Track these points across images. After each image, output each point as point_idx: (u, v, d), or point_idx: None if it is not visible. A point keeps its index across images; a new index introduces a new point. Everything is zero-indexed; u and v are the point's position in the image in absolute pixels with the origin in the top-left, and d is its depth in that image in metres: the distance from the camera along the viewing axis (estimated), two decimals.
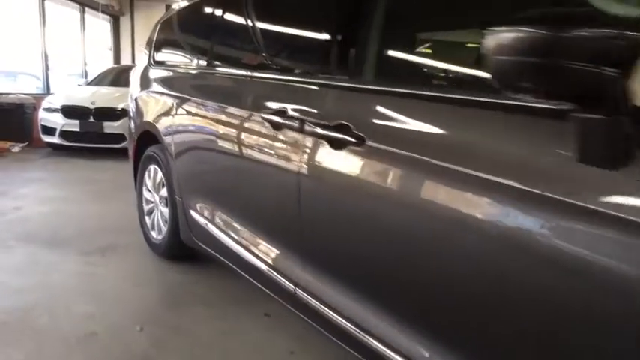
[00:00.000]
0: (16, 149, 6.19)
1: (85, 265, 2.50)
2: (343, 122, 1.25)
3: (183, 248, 2.44)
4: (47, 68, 8.36)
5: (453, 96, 1.06)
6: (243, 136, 1.71)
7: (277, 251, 1.58)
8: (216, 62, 2.16)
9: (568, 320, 0.78)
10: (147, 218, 2.77)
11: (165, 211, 2.50)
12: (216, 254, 2.02)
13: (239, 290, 2.24)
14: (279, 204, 1.53)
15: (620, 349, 0.72)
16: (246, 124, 1.70)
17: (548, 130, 0.82)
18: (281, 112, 1.48)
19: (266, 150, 1.57)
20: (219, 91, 1.97)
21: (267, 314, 2.06)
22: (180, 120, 2.20)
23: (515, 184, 0.84)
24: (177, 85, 2.36)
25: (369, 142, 1.17)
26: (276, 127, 1.50)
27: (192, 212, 2.15)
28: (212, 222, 1.98)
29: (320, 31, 1.54)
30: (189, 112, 2.14)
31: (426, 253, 1.05)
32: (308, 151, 1.36)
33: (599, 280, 0.73)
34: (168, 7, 10.47)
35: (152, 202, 2.69)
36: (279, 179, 1.51)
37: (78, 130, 6.04)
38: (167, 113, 2.33)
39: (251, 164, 1.67)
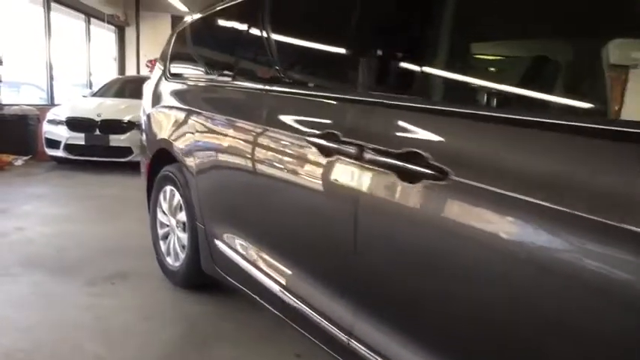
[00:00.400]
0: (18, 162, 5.99)
1: (93, 297, 2.28)
2: (415, 150, 1.04)
3: (202, 277, 2.23)
4: (51, 79, 8.20)
5: (569, 123, 0.85)
6: (284, 161, 1.50)
7: (326, 294, 1.36)
8: (248, 77, 1.96)
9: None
10: (161, 243, 2.55)
11: (183, 236, 2.28)
12: (246, 290, 1.80)
13: (266, 326, 2.02)
14: (330, 240, 1.32)
15: None
16: (288, 148, 1.48)
17: None
18: (331, 136, 1.28)
19: (313, 178, 1.36)
20: (252, 109, 1.75)
21: (299, 355, 1.84)
22: (203, 139, 2.00)
23: None
24: (200, 100, 2.16)
25: (454, 177, 0.96)
26: (326, 152, 1.29)
27: (217, 241, 1.94)
28: (242, 255, 1.76)
29: (381, 39, 1.31)
30: (215, 132, 1.94)
31: (527, 312, 0.84)
32: (368, 182, 1.15)
33: None
34: (175, 18, 10.43)
35: (167, 226, 2.48)
36: (330, 212, 1.30)
37: (83, 143, 5.84)
38: (187, 131, 2.12)
39: (294, 193, 1.45)
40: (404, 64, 1.24)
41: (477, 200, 0.92)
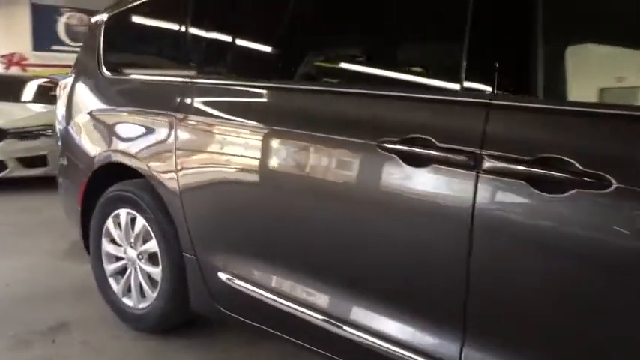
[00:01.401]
0: None
1: None
2: (554, 156, 0.94)
3: (184, 317, 1.84)
4: None
5: None
6: (341, 173, 1.27)
7: (416, 331, 1.17)
8: (251, 69, 1.63)
9: None
10: (112, 281, 2.05)
11: (154, 270, 1.85)
12: (270, 329, 1.51)
13: None
14: (430, 266, 1.14)
15: None
16: (347, 157, 1.26)
17: None
18: (422, 141, 1.10)
19: (392, 191, 1.17)
20: (278, 111, 1.44)
21: None
22: (196, 149, 1.63)
23: None
24: (183, 100, 1.73)
25: (619, 185, 0.87)
26: (416, 161, 1.11)
27: (220, 274, 1.59)
28: (269, 288, 1.46)
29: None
30: (215, 140, 1.58)
31: None
32: (490, 192, 1.01)
33: None
34: (37, 6, 8.80)
35: (123, 259, 2.00)
36: (419, 229, 1.13)
37: None
38: (163, 139, 1.71)
39: (363, 210, 1.23)
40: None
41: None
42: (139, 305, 1.93)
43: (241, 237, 1.56)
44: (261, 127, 1.46)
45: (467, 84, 1.10)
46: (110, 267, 2.05)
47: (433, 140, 1.09)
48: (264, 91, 1.51)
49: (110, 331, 1.96)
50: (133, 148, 1.82)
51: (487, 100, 1.06)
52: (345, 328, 1.29)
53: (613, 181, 0.88)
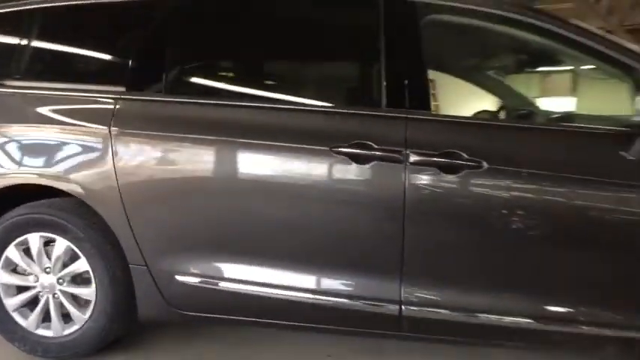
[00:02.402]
0: None
1: None
2: (451, 150, 1.50)
3: (124, 331, 1.86)
4: None
5: None
6: (304, 173, 1.60)
7: (368, 280, 1.61)
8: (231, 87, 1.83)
9: None
10: (17, 315, 1.85)
11: (84, 291, 1.79)
12: (234, 317, 1.73)
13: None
14: (368, 232, 1.58)
15: None
16: (304, 160, 1.60)
17: None
18: (361, 145, 1.54)
19: (344, 182, 1.58)
20: (241, 126, 1.65)
21: None
22: (140, 162, 1.68)
23: None
24: (122, 114, 1.73)
25: (486, 165, 1.49)
26: (361, 159, 1.54)
27: (178, 277, 1.70)
28: (235, 279, 1.67)
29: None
30: (180, 158, 1.70)
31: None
32: (412, 174, 1.52)
33: None
34: None
35: (31, 289, 1.84)
36: (367, 208, 1.57)
37: None
38: (99, 154, 1.69)
39: (324, 201, 1.59)
40: None
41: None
42: (64, 332, 1.83)
43: (198, 241, 1.71)
44: (216, 138, 1.66)
45: (390, 103, 1.60)
46: (12, 301, 1.85)
47: (372, 144, 1.54)
48: (217, 107, 1.72)
49: None
50: (56, 165, 1.73)
51: (405, 115, 1.58)
52: (307, 295, 1.64)
53: (485, 163, 1.49)
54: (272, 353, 1.94)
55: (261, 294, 1.67)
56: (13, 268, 1.85)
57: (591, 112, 2.19)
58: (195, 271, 1.72)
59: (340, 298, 1.63)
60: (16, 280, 1.85)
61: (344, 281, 1.64)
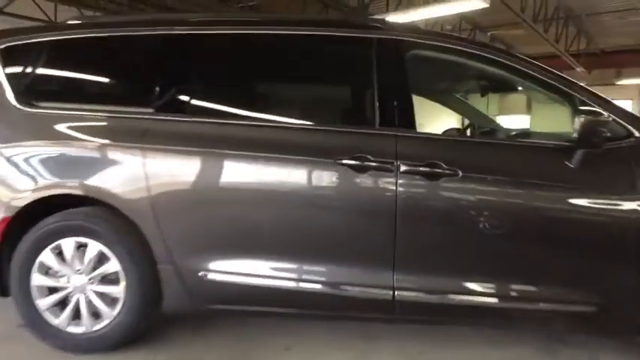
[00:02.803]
0: None
1: None
2: (434, 161, 1.86)
3: (149, 324, 2.08)
4: None
5: None
6: (312, 181, 1.91)
7: (367, 272, 1.92)
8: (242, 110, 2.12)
9: None
10: (49, 315, 2.04)
11: (114, 289, 2.00)
12: (252, 307, 2.01)
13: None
14: (367, 230, 1.90)
15: None
16: (312, 170, 1.91)
17: None
18: (360, 158, 1.87)
19: (347, 188, 1.90)
20: (258, 143, 1.94)
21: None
22: (170, 174, 1.94)
23: None
24: (153, 133, 2.00)
25: (460, 173, 1.85)
26: (360, 169, 1.87)
27: (202, 274, 1.95)
28: (253, 274, 1.94)
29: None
30: (204, 170, 1.97)
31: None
32: (403, 181, 1.86)
33: None
34: None
35: (62, 290, 2.03)
36: (368, 205, 1.89)
37: None
38: (133, 168, 1.94)
39: (329, 204, 1.91)
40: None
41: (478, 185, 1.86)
42: (93, 328, 2.03)
43: (220, 242, 1.98)
44: (236, 153, 1.96)
45: (382, 123, 1.95)
46: (45, 301, 2.04)
47: (369, 157, 1.88)
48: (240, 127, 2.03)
49: None
50: (96, 178, 1.96)
51: (395, 133, 1.93)
52: (316, 286, 1.94)
53: (460, 172, 1.85)
54: (279, 343, 2.20)
55: (275, 286, 1.95)
56: (46, 271, 2.04)
57: (541, 130, 2.62)
58: (216, 268, 1.97)
59: (344, 287, 1.93)
60: (49, 281, 2.04)
61: (347, 272, 1.94)
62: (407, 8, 7.57)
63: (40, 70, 2.20)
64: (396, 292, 1.91)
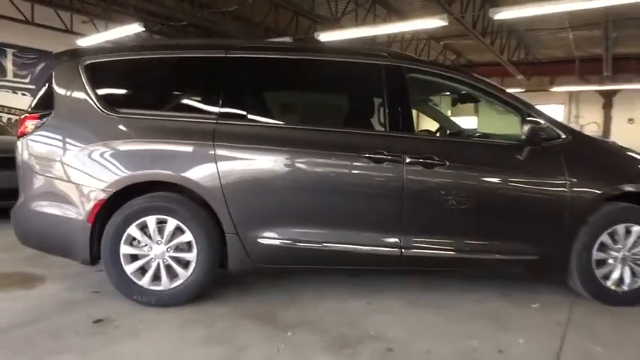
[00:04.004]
0: None
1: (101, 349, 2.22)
2: (429, 155, 2.61)
3: (213, 282, 2.67)
4: None
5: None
6: (345, 170, 2.60)
7: (382, 235, 2.64)
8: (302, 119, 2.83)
9: None
10: (133, 277, 2.58)
11: (188, 255, 2.58)
12: (295, 265, 2.69)
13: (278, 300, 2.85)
14: (383, 205, 2.62)
15: None
16: (345, 161, 2.60)
17: None
18: (378, 153, 2.59)
19: (368, 174, 2.61)
20: (302, 141, 2.60)
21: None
22: (234, 165, 2.55)
23: None
24: (220, 133, 2.60)
25: (447, 163, 2.62)
26: (378, 161, 2.59)
27: (260, 240, 2.59)
28: (298, 239, 2.60)
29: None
30: (261, 161, 2.59)
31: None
32: (407, 170, 2.59)
33: None
34: None
35: (144, 257, 2.59)
36: (383, 187, 2.61)
37: None
38: (207, 159, 2.54)
39: (354, 187, 2.60)
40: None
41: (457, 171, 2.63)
42: (171, 286, 2.60)
43: (273, 215, 2.62)
44: (285, 149, 2.60)
45: (391, 128, 2.68)
46: (131, 267, 2.59)
47: (384, 152, 2.60)
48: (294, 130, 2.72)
49: (151, 314, 2.51)
50: (179, 167, 2.53)
51: (401, 135, 2.67)
52: (347, 246, 2.63)
53: (447, 162, 2.62)
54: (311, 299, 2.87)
55: (311, 248, 2.62)
56: (131, 242, 2.59)
57: (498, 132, 3.46)
58: (268, 236, 2.61)
59: (367, 246, 2.64)
60: (135, 250, 2.58)
61: (366, 236, 2.65)
62: (376, 23, 8.40)
63: (121, 83, 2.74)
64: (403, 250, 2.65)
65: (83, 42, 9.48)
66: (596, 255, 2.77)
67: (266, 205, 2.62)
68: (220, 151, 2.57)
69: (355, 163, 2.62)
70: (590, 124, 16.18)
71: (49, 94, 2.69)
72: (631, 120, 16.36)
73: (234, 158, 2.59)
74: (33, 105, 2.77)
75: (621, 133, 15.52)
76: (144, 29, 8.49)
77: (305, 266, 2.72)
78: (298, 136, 2.65)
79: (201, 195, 2.57)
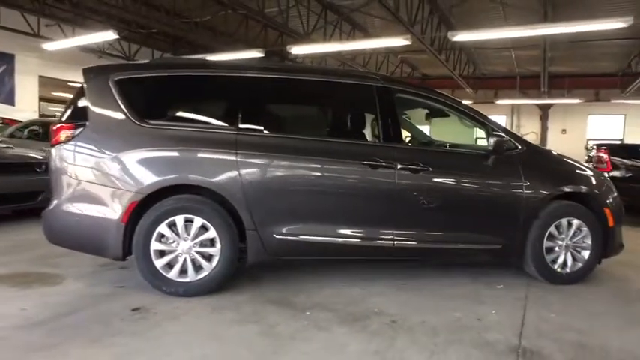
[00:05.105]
0: None
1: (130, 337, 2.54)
2: (416, 162, 3.15)
3: (233, 273, 3.04)
4: None
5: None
6: (347, 175, 3.07)
7: (377, 229, 3.13)
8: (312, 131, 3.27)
9: None
10: (162, 271, 2.90)
11: (211, 249, 2.94)
12: (305, 257, 3.11)
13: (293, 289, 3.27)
14: (378, 204, 3.12)
15: None
16: (347, 167, 3.07)
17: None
18: (375, 160, 3.09)
19: (367, 179, 3.10)
20: (311, 151, 3.03)
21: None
22: (254, 171, 2.95)
23: None
24: (241, 143, 2.97)
25: (431, 169, 3.17)
26: (374, 167, 3.09)
27: (275, 235, 2.99)
28: (308, 234, 3.03)
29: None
30: (276, 168, 3.00)
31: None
32: (399, 174, 3.12)
33: None
34: None
35: (172, 252, 2.92)
36: (378, 190, 3.11)
37: None
38: (230, 166, 2.91)
39: (355, 189, 3.08)
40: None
41: (438, 175, 3.19)
42: (197, 277, 2.94)
43: (287, 213, 3.03)
44: (297, 157, 3.04)
45: (384, 140, 3.20)
46: (161, 261, 2.91)
47: (380, 160, 3.11)
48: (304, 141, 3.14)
49: (179, 303, 2.83)
50: (206, 172, 2.89)
51: (393, 145, 3.19)
52: (349, 240, 3.10)
53: (430, 168, 3.17)
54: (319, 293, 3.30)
55: (320, 241, 3.06)
56: (160, 239, 2.91)
57: (468, 143, 4.10)
58: (283, 232, 3.03)
59: (365, 240, 3.12)
60: (164, 246, 2.91)
61: (366, 230, 3.13)
62: (345, 40, 8.99)
63: (150, 97, 3.06)
64: (395, 242, 3.16)
65: (50, 46, 9.32)
66: (546, 244, 3.42)
67: (281, 205, 3.04)
68: (241, 158, 2.96)
69: (356, 169, 3.10)
70: (529, 133, 17.79)
71: (83, 107, 2.96)
72: (564, 130, 18.18)
73: (254, 165, 2.99)
74: (65, 117, 3.02)
75: (555, 141, 17.24)
76: (118, 37, 8.52)
77: (314, 257, 3.16)
78: (308, 146, 3.10)
79: (225, 197, 2.94)
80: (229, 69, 3.20)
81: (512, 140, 3.46)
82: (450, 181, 3.26)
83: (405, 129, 4.42)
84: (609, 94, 16.06)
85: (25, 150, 6.19)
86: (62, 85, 12.92)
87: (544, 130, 18.38)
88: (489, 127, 3.46)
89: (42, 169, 5.70)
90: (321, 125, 3.55)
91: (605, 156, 7.06)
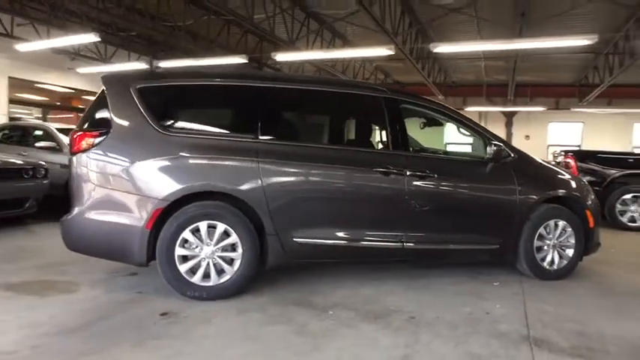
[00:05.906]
0: None
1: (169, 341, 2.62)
2: (424, 169, 3.38)
3: (254, 276, 3.15)
4: None
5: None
6: (361, 181, 3.25)
7: (388, 232, 3.33)
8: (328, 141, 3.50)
9: None
10: (186, 276, 2.98)
11: (233, 254, 3.03)
12: (322, 259, 3.26)
13: (308, 290, 3.40)
14: (389, 208, 3.32)
15: None
16: (361, 174, 3.26)
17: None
18: (387, 168, 3.29)
19: (379, 184, 3.29)
20: (326, 158, 3.19)
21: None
22: (275, 177, 3.07)
23: None
24: (261, 151, 3.09)
25: (436, 175, 3.41)
26: (386, 173, 3.29)
27: (295, 239, 3.13)
28: (326, 238, 3.18)
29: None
30: (287, 171, 3.11)
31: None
32: (408, 180, 3.33)
33: None
34: None
35: (195, 257, 2.99)
36: (390, 195, 3.31)
37: None
38: (252, 173, 3.03)
39: (369, 194, 3.26)
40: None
41: (440, 182, 3.43)
42: (220, 281, 3.03)
43: (306, 218, 3.18)
44: (314, 164, 3.19)
45: (394, 148, 3.41)
46: (185, 266, 2.98)
47: (391, 167, 3.31)
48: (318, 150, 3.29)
49: (212, 306, 2.92)
50: (230, 180, 2.98)
51: (404, 153, 3.41)
52: (364, 243, 3.28)
53: (436, 175, 3.41)
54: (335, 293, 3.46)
55: (337, 245, 3.23)
56: (183, 244, 2.98)
57: (467, 151, 4.40)
58: (302, 235, 3.17)
59: (378, 242, 3.31)
60: (188, 252, 2.98)
61: (379, 234, 3.32)
62: (328, 49, 9.21)
63: (172, 106, 3.13)
64: (404, 244, 3.37)
65: (23, 47, 9.00)
66: (536, 243, 3.73)
67: (300, 210, 3.18)
68: (262, 165, 3.08)
69: (368, 176, 3.29)
70: None
71: (104, 115, 2.99)
72: (527, 136, 19.14)
73: (275, 172, 3.12)
74: (86, 125, 3.04)
75: (520, 147, 18.08)
76: (99, 39, 8.34)
77: (328, 260, 3.32)
78: (324, 154, 3.28)
79: (248, 202, 3.05)
80: (250, 79, 3.32)
81: (507, 149, 3.75)
82: (454, 186, 3.51)
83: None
84: (569, 102, 17.10)
85: (6, 155, 6.02)
86: (30, 86, 12.45)
87: (509, 136, 19.30)
88: (485, 137, 3.74)
89: (29, 174, 5.58)
90: (335, 134, 3.73)
91: (572, 162, 7.59)
